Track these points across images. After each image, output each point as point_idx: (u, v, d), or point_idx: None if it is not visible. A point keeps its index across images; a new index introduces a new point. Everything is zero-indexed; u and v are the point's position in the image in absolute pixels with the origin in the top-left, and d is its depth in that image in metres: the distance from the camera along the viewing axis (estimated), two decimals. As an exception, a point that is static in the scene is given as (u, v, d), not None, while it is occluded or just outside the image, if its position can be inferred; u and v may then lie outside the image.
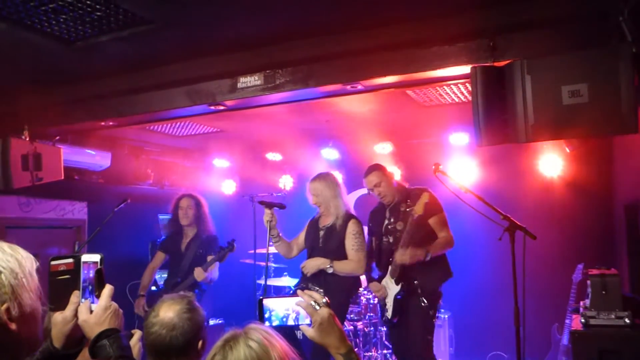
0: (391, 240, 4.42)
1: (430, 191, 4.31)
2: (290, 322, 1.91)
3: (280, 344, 1.47)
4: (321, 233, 4.57)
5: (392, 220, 4.47)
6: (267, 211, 4.39)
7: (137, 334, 1.96)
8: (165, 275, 5.70)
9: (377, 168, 4.54)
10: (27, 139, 4.46)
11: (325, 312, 1.83)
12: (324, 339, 1.83)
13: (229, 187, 7.58)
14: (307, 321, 1.86)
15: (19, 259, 1.44)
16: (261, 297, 1.94)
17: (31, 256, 1.51)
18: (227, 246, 5.18)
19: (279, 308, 1.91)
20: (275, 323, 1.90)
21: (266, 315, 1.90)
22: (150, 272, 5.61)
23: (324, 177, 4.57)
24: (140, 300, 5.41)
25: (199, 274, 5.15)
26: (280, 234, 4.62)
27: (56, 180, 4.65)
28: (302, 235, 4.80)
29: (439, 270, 4.39)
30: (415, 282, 4.28)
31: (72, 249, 6.14)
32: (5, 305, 1.38)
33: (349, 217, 4.48)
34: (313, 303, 1.84)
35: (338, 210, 4.48)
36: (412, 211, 4.12)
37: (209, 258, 5.31)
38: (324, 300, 1.87)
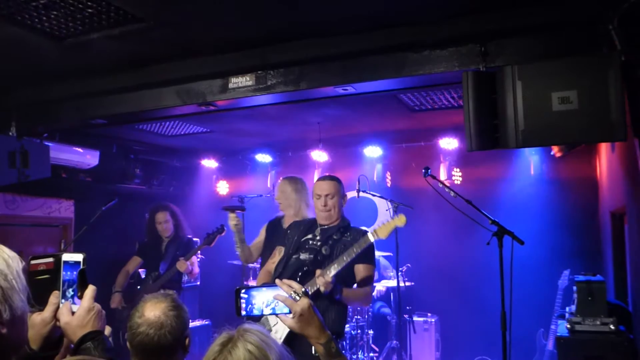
0: (306, 257, 3.62)
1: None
2: (269, 312, 1.88)
3: (276, 345, 1.46)
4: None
5: (317, 239, 3.68)
6: (232, 215, 4.33)
7: (106, 330, 1.93)
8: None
9: (338, 180, 3.78)
10: (15, 136, 4.42)
11: (305, 302, 1.82)
12: (303, 329, 1.82)
13: (223, 188, 7.55)
14: (286, 310, 1.84)
15: (7, 259, 1.37)
16: (238, 288, 1.90)
17: (16, 255, 1.45)
18: (217, 230, 5.17)
19: (257, 299, 1.88)
20: (256, 313, 1.87)
21: (243, 306, 1.86)
22: (125, 274, 5.64)
23: (292, 180, 4.59)
24: (116, 296, 5.44)
25: (181, 264, 5.18)
26: (244, 239, 4.57)
27: (43, 178, 4.61)
28: (260, 239, 4.73)
29: (343, 312, 3.62)
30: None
31: (58, 247, 6.08)
32: None
33: None
34: (293, 294, 1.83)
35: (304, 214, 4.35)
36: (372, 233, 3.46)
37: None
38: (304, 290, 1.86)
